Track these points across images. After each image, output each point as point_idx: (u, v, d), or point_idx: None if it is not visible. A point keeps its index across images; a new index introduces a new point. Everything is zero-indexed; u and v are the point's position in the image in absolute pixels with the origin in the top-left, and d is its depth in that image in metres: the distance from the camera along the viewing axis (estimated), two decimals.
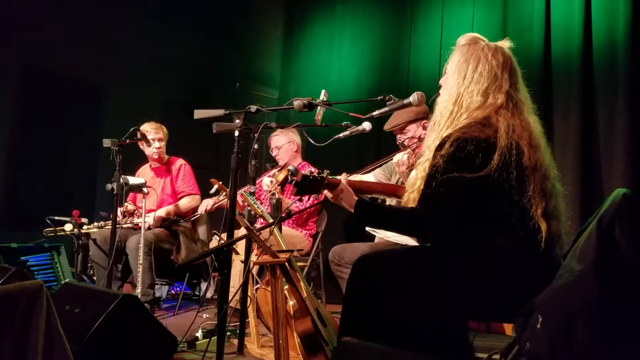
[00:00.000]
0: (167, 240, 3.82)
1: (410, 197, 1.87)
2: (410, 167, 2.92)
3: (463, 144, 1.69)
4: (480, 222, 1.72)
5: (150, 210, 3.93)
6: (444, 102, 1.88)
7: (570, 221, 1.83)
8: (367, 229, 2.83)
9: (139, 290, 3.41)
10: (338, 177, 1.98)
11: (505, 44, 1.90)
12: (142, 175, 4.03)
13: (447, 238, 1.76)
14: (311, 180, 1.92)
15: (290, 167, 1.96)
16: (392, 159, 3.08)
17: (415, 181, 1.86)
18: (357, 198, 1.91)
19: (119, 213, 3.48)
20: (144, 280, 3.57)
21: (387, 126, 3.22)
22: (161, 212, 3.90)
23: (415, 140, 3.15)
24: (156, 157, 4.04)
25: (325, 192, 1.96)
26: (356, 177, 3.08)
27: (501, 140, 1.70)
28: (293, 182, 1.91)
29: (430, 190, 1.72)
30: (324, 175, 1.93)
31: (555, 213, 1.74)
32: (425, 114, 3.17)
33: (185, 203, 4.02)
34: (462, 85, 1.84)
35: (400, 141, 3.22)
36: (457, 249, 1.72)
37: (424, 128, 3.18)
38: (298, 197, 2.21)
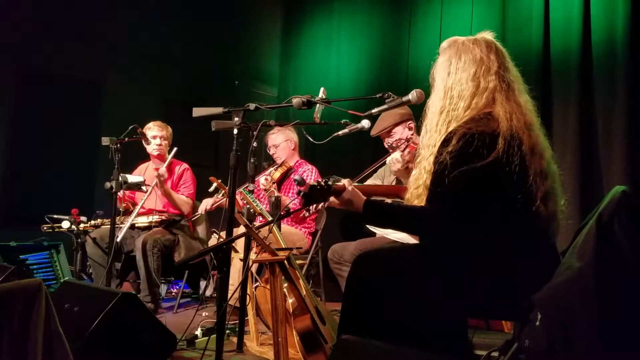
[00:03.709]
0: (167, 239, 3.82)
1: (414, 193, 1.85)
2: (406, 164, 2.94)
3: (470, 140, 1.68)
4: (488, 210, 1.71)
5: (150, 210, 3.93)
6: (434, 103, 1.88)
7: (567, 204, 1.83)
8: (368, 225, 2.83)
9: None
10: (342, 183, 1.96)
11: (487, 34, 1.90)
12: (143, 173, 4.03)
13: (450, 235, 1.75)
14: (318, 190, 1.90)
15: (296, 177, 1.95)
16: (383, 165, 3.10)
17: (420, 176, 1.84)
18: (365, 198, 1.90)
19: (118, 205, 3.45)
20: (142, 276, 3.58)
21: (374, 131, 3.27)
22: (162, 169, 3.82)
23: (403, 141, 3.20)
24: (156, 153, 4.02)
25: (332, 199, 1.95)
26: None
27: (503, 126, 1.70)
28: (300, 194, 1.89)
29: (442, 189, 1.69)
30: (330, 183, 1.91)
31: (551, 192, 1.74)
32: (409, 116, 3.25)
33: (180, 198, 4.00)
34: (449, 79, 1.83)
35: (388, 144, 3.27)
36: (457, 246, 1.72)
37: (410, 129, 3.28)
38: (306, 208, 2.19)
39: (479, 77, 1.80)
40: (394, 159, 3.00)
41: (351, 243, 3.22)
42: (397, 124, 3.23)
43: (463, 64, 1.82)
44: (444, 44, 1.92)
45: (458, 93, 1.81)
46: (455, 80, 1.82)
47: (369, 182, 3.43)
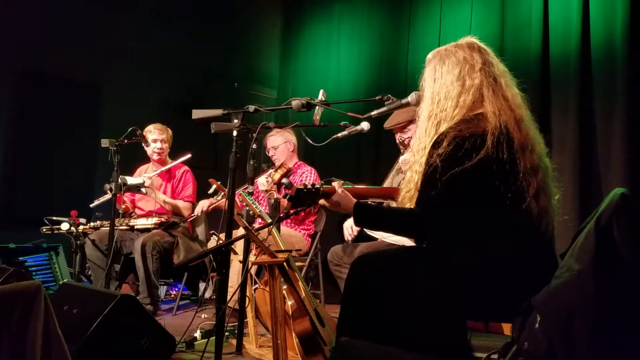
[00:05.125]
0: (166, 241, 3.82)
1: (407, 196, 1.86)
2: None
3: (461, 143, 1.69)
4: (480, 210, 1.71)
5: (149, 212, 3.93)
6: (422, 111, 1.90)
7: (564, 205, 1.83)
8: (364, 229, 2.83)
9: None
10: (333, 185, 1.98)
11: (469, 38, 1.92)
12: (144, 173, 4.03)
13: (444, 238, 1.76)
14: (305, 193, 1.92)
15: (284, 181, 1.96)
16: (396, 167, 3.08)
17: (412, 178, 1.85)
18: (355, 200, 1.91)
19: (120, 199, 3.44)
20: (141, 278, 3.58)
21: (388, 124, 3.21)
22: (161, 196, 3.93)
23: None
24: (156, 157, 4.03)
25: (322, 201, 1.97)
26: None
27: (491, 123, 1.71)
28: (288, 197, 1.92)
29: (434, 192, 1.70)
30: (318, 187, 1.93)
31: (543, 187, 1.74)
32: None
33: (176, 205, 4.02)
34: (436, 85, 1.86)
35: (400, 140, 3.22)
36: (454, 248, 1.72)
37: None
38: (294, 211, 2.21)
39: (464, 76, 1.82)
40: (405, 160, 2.98)
41: (352, 245, 3.22)
42: (412, 121, 3.17)
43: (447, 67, 1.85)
44: (429, 55, 1.96)
45: (445, 95, 1.83)
46: (442, 84, 1.84)
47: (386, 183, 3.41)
